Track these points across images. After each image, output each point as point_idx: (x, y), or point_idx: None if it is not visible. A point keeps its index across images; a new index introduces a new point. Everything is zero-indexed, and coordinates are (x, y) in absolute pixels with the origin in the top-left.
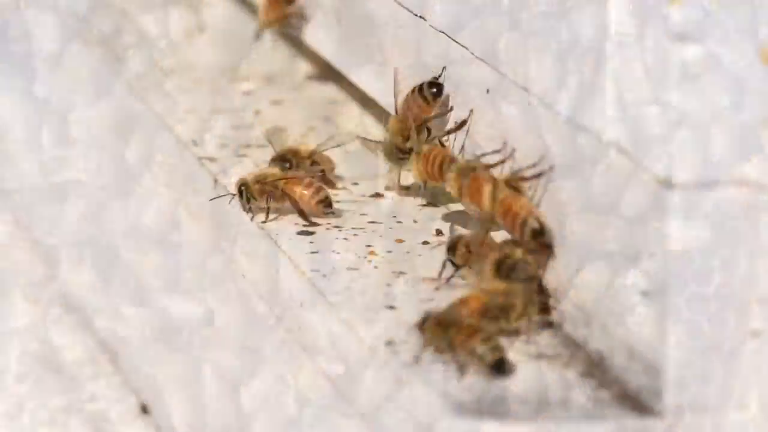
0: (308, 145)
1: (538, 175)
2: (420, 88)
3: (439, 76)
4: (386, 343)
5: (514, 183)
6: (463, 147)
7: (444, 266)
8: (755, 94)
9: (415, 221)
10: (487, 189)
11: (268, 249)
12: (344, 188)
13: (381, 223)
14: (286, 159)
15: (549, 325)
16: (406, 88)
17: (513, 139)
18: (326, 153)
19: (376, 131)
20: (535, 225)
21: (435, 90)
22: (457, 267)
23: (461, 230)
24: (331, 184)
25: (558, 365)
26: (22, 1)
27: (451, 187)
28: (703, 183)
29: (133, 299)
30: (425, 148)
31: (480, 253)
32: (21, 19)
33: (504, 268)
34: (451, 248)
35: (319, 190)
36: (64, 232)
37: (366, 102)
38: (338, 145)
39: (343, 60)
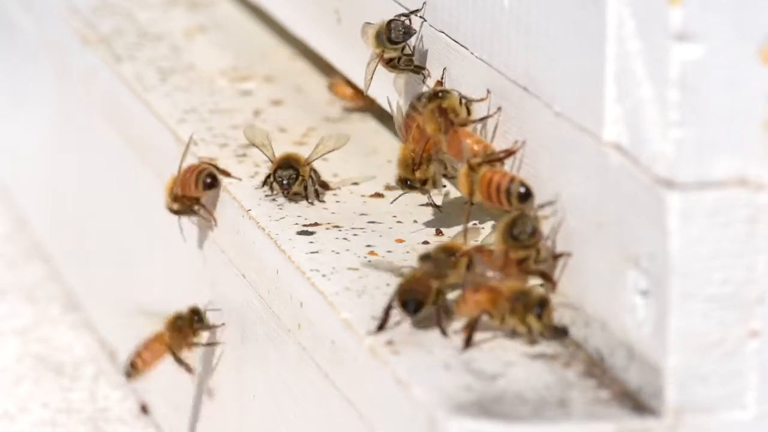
0: (298, 153)
1: (510, 153)
2: (418, 98)
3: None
4: (386, 343)
5: (488, 163)
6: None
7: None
8: (755, 94)
9: (415, 221)
10: (462, 171)
11: (268, 249)
12: (340, 188)
13: (381, 223)
14: (291, 166)
15: (563, 333)
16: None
17: (513, 138)
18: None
19: (376, 132)
20: (521, 189)
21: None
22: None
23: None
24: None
25: (558, 365)
26: None
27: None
28: (703, 183)
29: (133, 299)
30: (484, 170)
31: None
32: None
33: (512, 227)
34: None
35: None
36: (64, 232)
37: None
38: (334, 149)
39: (343, 60)
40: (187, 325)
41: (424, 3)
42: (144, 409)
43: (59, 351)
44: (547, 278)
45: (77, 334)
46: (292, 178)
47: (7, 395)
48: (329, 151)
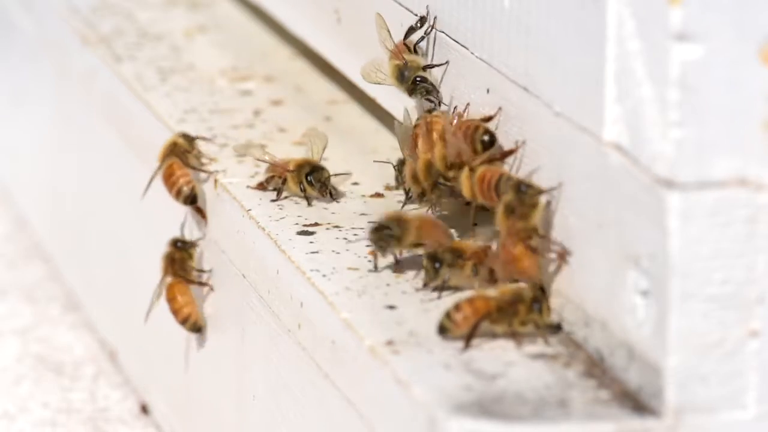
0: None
1: (509, 153)
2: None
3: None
4: (386, 343)
5: (487, 162)
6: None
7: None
8: (755, 94)
9: None
10: (464, 174)
11: (268, 249)
12: (336, 187)
13: None
14: (318, 167)
15: (556, 329)
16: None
17: (513, 138)
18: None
19: (376, 132)
20: (485, 137)
21: (488, 138)
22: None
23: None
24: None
25: (558, 365)
26: None
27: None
28: (703, 183)
29: (133, 299)
30: (481, 169)
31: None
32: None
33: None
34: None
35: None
36: (64, 232)
37: (366, 102)
38: (325, 147)
39: (343, 60)
40: (179, 253)
41: (427, 8)
42: (144, 409)
43: (59, 351)
44: (560, 255)
45: (77, 334)
46: (327, 178)
47: (7, 395)
48: (324, 149)
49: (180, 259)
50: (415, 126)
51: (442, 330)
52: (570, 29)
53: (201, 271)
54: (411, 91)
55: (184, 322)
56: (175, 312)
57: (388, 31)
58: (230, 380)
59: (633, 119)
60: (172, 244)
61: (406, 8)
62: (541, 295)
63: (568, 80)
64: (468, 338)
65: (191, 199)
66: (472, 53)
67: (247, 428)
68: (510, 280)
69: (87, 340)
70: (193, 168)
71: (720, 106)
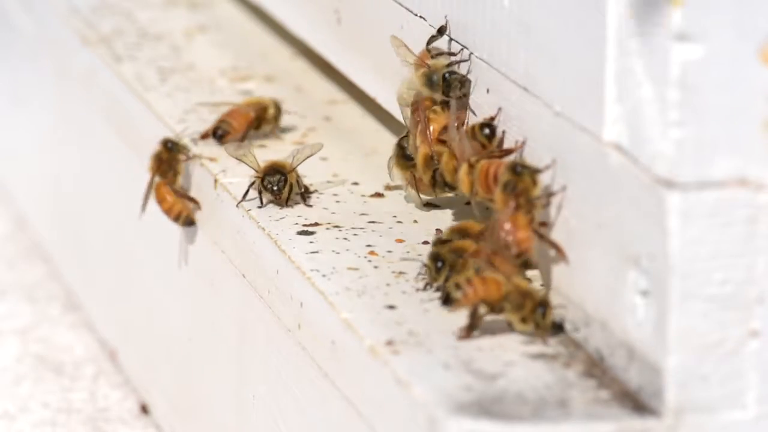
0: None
1: (509, 152)
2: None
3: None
4: (386, 343)
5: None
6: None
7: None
8: (755, 94)
9: (415, 221)
10: (463, 170)
11: (268, 249)
12: (317, 190)
13: (381, 223)
14: (278, 172)
15: (557, 331)
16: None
17: (513, 138)
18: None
19: (376, 132)
20: (486, 130)
21: (488, 131)
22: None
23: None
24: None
25: (558, 365)
26: None
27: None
28: (703, 183)
29: (133, 299)
30: (482, 162)
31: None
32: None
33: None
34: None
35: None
36: (64, 232)
37: (366, 102)
38: (311, 155)
39: (343, 60)
40: (168, 154)
41: (446, 18)
42: (144, 409)
43: (59, 351)
44: (557, 248)
45: (77, 334)
46: (281, 183)
47: (7, 395)
48: (308, 157)
49: (168, 160)
50: (416, 100)
51: (448, 300)
52: (570, 29)
53: (187, 158)
54: (446, 90)
55: (177, 218)
56: (167, 211)
57: (406, 46)
58: (230, 380)
59: (633, 119)
60: (162, 144)
61: (406, 8)
62: (547, 301)
63: (568, 80)
64: (469, 326)
65: (189, 223)
66: (472, 53)
67: (247, 428)
68: (507, 258)
69: (87, 340)
70: (178, 192)
71: (720, 106)
